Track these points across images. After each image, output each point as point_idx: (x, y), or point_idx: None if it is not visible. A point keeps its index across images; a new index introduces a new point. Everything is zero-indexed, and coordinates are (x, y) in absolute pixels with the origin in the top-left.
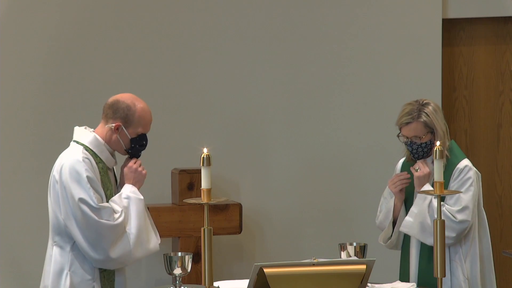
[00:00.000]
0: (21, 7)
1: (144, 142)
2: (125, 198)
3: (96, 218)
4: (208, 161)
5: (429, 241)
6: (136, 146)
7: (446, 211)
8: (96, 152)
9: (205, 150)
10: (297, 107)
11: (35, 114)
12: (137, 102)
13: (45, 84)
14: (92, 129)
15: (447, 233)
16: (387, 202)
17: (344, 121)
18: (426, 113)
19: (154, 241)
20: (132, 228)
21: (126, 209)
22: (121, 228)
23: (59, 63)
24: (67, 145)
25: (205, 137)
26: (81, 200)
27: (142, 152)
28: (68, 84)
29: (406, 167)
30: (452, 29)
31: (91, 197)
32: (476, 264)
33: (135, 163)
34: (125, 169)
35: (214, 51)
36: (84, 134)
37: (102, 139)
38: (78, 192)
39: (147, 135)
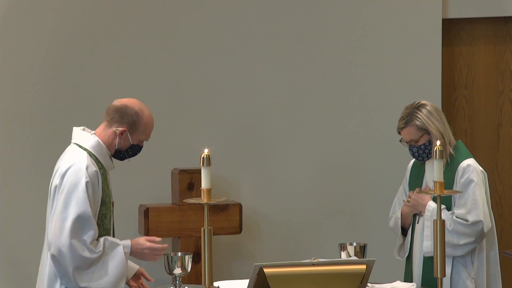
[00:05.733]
0: (20, 8)
1: (137, 152)
2: (116, 249)
3: (73, 241)
4: (208, 161)
5: (457, 252)
6: (130, 153)
7: (457, 219)
8: (98, 157)
9: (206, 150)
10: (297, 108)
11: (34, 115)
12: (144, 110)
13: (44, 85)
14: (93, 131)
15: (466, 240)
16: (398, 208)
17: (344, 122)
18: (417, 116)
19: None
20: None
21: (108, 256)
22: (89, 262)
23: (58, 64)
24: (66, 145)
25: (205, 137)
26: (76, 218)
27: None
28: (67, 85)
29: (416, 167)
30: (452, 29)
31: (85, 212)
32: (483, 265)
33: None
34: (147, 244)
35: (214, 50)
36: (85, 138)
37: (104, 143)
38: (77, 207)
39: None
